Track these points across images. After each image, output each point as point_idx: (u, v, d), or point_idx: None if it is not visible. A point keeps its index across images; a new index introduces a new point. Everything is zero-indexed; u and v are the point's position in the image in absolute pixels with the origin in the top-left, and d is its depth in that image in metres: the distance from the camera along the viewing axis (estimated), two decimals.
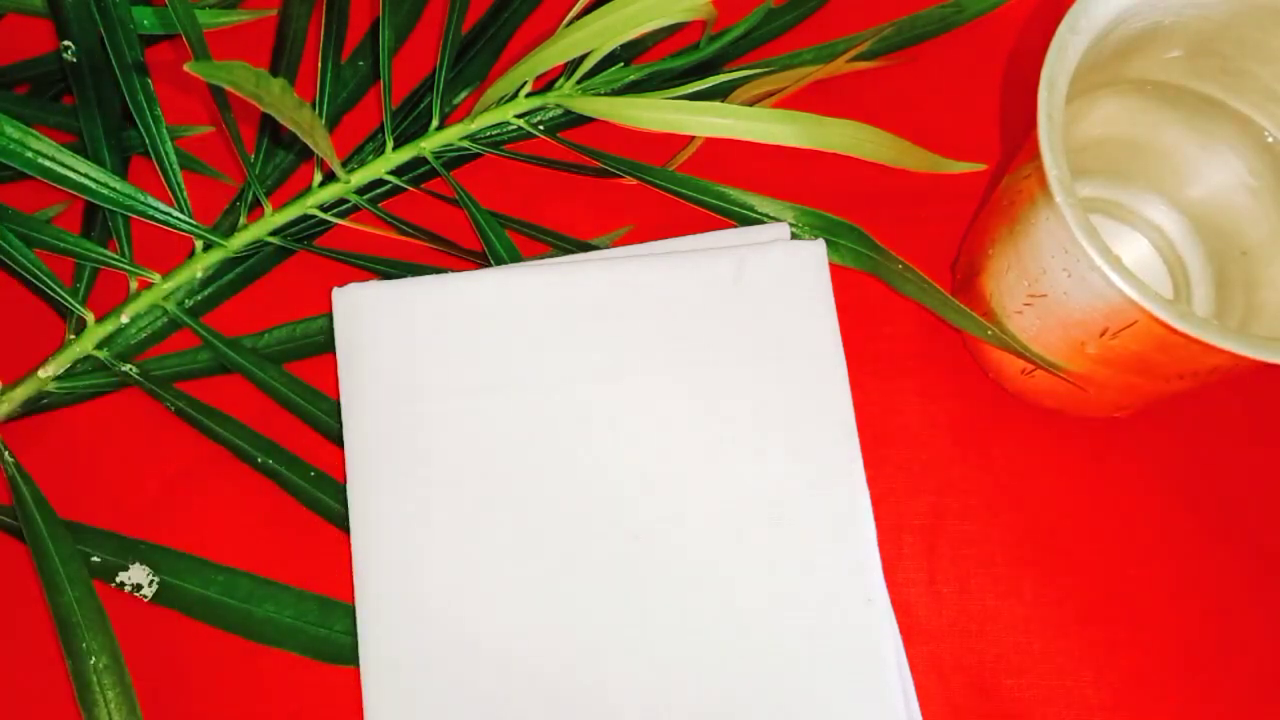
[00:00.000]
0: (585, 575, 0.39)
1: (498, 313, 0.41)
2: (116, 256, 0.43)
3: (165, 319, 0.43)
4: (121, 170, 0.43)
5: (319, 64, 0.44)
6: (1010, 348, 0.38)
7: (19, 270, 0.41)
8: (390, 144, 0.44)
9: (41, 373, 0.42)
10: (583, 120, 0.45)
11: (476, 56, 0.46)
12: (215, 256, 0.43)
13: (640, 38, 0.42)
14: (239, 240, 0.43)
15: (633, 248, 0.43)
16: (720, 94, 0.44)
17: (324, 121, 0.44)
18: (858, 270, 0.43)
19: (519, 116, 0.45)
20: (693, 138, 0.44)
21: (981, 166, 0.43)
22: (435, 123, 0.45)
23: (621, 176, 0.44)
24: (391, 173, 0.44)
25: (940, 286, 0.40)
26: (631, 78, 0.44)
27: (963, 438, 0.42)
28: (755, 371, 0.41)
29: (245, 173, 0.43)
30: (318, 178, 0.44)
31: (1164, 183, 0.41)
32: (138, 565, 0.40)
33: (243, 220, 0.44)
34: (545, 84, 0.45)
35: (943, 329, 0.43)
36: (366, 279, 0.43)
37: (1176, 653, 0.40)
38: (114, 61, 0.42)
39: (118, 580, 0.40)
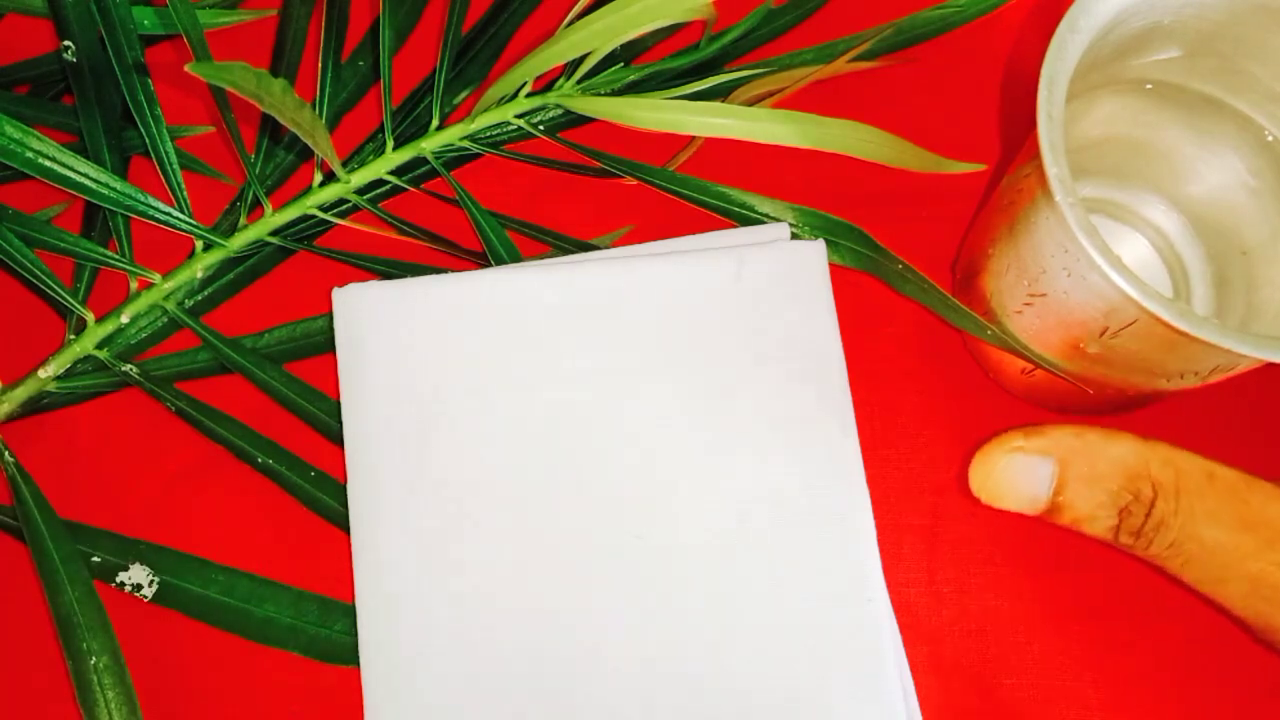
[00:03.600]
0: (585, 575, 0.39)
1: (498, 313, 0.41)
2: (116, 256, 0.43)
3: (165, 319, 0.43)
4: (121, 170, 0.43)
5: (319, 64, 0.44)
6: (1010, 347, 0.38)
7: (19, 270, 0.41)
8: (390, 144, 0.44)
9: (41, 373, 0.42)
10: (583, 120, 0.45)
11: (476, 56, 0.46)
12: (215, 256, 0.43)
13: (640, 38, 0.42)
14: (239, 240, 0.43)
15: (633, 248, 0.43)
16: (720, 94, 0.44)
17: (324, 121, 0.44)
18: (858, 270, 0.43)
19: (519, 116, 0.45)
20: (693, 138, 0.44)
21: (981, 166, 0.43)
22: (435, 123, 0.45)
23: (621, 176, 0.44)
24: (391, 173, 0.44)
25: (940, 286, 0.40)
26: (631, 78, 0.44)
27: (963, 438, 0.42)
28: (755, 371, 0.41)
29: (245, 173, 0.43)
30: (318, 178, 0.44)
31: (1164, 182, 0.41)
32: (138, 565, 0.40)
33: (243, 220, 0.44)
34: (545, 84, 0.45)
35: (943, 329, 0.42)
36: (366, 279, 0.43)
37: (1176, 653, 0.40)
38: (114, 61, 0.42)
39: (118, 580, 0.40)
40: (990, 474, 0.37)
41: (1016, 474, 0.36)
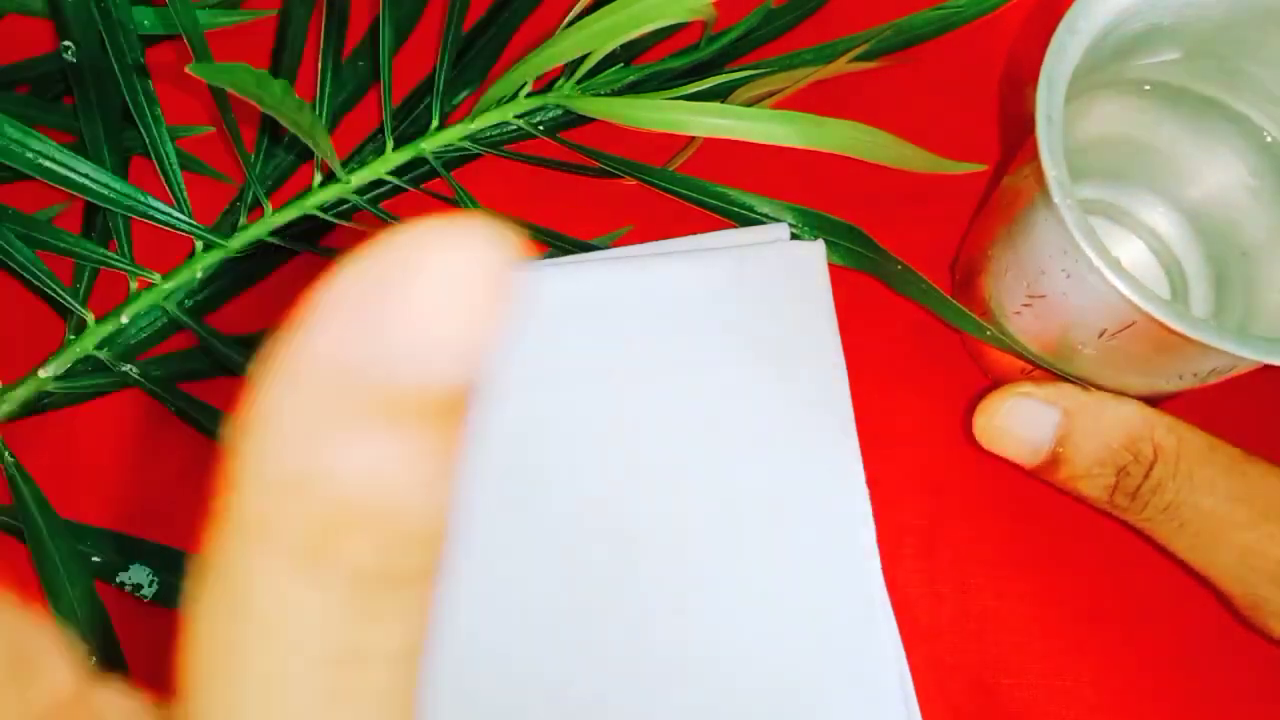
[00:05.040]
0: (583, 575, 0.40)
1: None
2: (116, 256, 0.43)
3: (165, 319, 0.43)
4: (121, 170, 0.43)
5: (319, 64, 0.44)
6: (1009, 348, 0.38)
7: (19, 270, 0.41)
8: (390, 144, 0.44)
9: (41, 373, 0.42)
10: (583, 120, 0.45)
11: (476, 56, 0.46)
12: (215, 256, 0.43)
13: (640, 38, 0.42)
14: (239, 240, 0.43)
15: (633, 248, 0.43)
16: (720, 94, 0.44)
17: (324, 122, 0.44)
18: (857, 270, 0.43)
19: (519, 117, 0.45)
20: (693, 138, 0.44)
21: (981, 167, 0.43)
22: (435, 123, 0.45)
23: (621, 176, 0.44)
24: (391, 173, 0.44)
25: (940, 287, 0.40)
26: (631, 78, 0.44)
27: (963, 438, 0.42)
28: (754, 372, 0.41)
29: (245, 173, 0.43)
30: (318, 178, 0.44)
31: (1163, 183, 0.41)
32: (138, 565, 0.40)
33: (243, 220, 0.44)
34: (545, 84, 0.45)
35: (942, 329, 0.42)
36: None
37: (1176, 653, 0.40)
38: (114, 62, 0.42)
39: (118, 580, 0.40)
40: (995, 416, 0.37)
41: (1021, 418, 0.37)
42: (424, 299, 0.14)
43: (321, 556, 0.15)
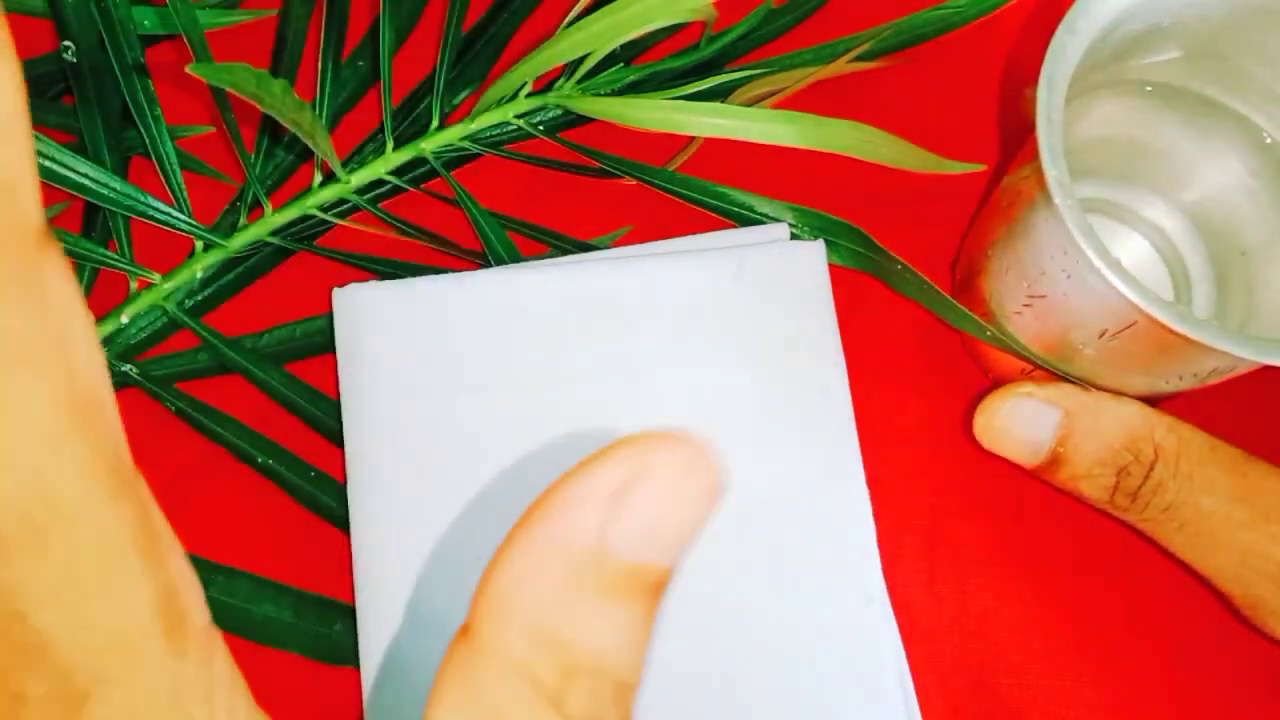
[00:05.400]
0: None
1: (498, 313, 0.41)
2: (116, 256, 0.43)
3: (165, 319, 0.43)
4: (121, 170, 0.43)
5: (319, 64, 0.44)
6: (1010, 348, 0.38)
7: None
8: (390, 144, 0.44)
9: None
10: (583, 120, 0.45)
11: (476, 56, 0.46)
12: (215, 256, 0.43)
13: (640, 38, 0.42)
14: (239, 240, 0.43)
15: (633, 248, 0.43)
16: (720, 94, 0.44)
17: (324, 122, 0.44)
18: (858, 270, 0.43)
19: (519, 117, 0.45)
20: (693, 138, 0.44)
21: (981, 167, 0.43)
22: (435, 123, 0.45)
23: (621, 176, 0.44)
24: (391, 173, 0.44)
25: (940, 287, 0.39)
26: (631, 78, 0.44)
27: (963, 438, 0.42)
28: (754, 372, 0.41)
29: (245, 173, 0.43)
30: (318, 178, 0.44)
31: (1164, 183, 0.41)
32: None
33: (243, 220, 0.44)
34: (545, 84, 0.45)
35: (942, 329, 0.43)
36: (366, 279, 0.43)
37: (1176, 653, 0.40)
38: (114, 61, 0.42)
39: None
40: (995, 415, 0.37)
41: (1022, 418, 0.37)
42: (649, 499, 0.20)
43: (560, 697, 0.19)
